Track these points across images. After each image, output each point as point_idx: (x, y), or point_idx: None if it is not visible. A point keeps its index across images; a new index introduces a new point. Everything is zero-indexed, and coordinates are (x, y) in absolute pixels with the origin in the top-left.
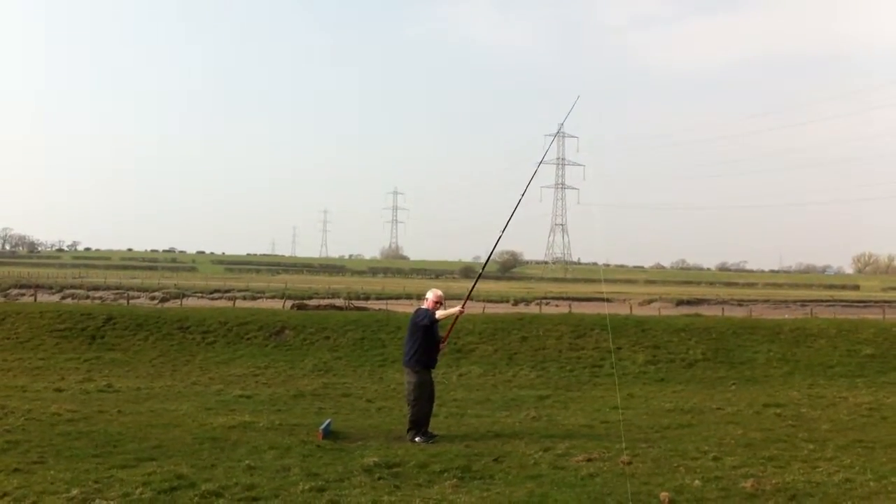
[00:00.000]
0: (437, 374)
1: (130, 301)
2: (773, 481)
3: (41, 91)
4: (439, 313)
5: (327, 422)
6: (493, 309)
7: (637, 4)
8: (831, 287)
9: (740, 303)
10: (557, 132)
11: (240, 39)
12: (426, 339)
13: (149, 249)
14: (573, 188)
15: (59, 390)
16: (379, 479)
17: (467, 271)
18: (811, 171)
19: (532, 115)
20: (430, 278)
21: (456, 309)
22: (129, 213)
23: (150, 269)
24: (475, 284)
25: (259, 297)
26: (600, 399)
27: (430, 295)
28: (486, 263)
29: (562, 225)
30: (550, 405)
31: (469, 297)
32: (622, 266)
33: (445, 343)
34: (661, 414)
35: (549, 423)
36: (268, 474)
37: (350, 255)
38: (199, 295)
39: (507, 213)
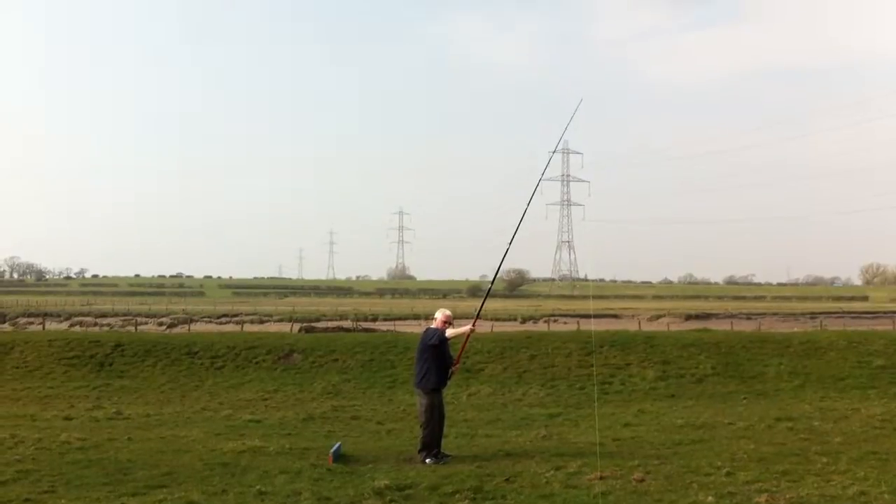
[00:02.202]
0: (447, 394)
1: (138, 327)
2: (787, 496)
3: (41, 115)
4: (449, 332)
5: (337, 445)
6: (501, 327)
7: (636, 18)
8: (840, 299)
9: (749, 316)
10: (557, 144)
11: (240, 59)
12: (436, 358)
13: (156, 275)
14: (578, 204)
15: (68, 418)
16: (390, 501)
17: (475, 290)
18: (817, 183)
19: (534, 130)
20: (438, 298)
21: (467, 327)
22: (135, 239)
23: (158, 294)
24: (484, 302)
25: (267, 321)
26: (611, 416)
27: (439, 315)
28: (493, 280)
29: (568, 242)
30: (561, 423)
31: (479, 315)
32: (629, 282)
33: (458, 365)
34: (673, 430)
35: (560, 441)
36: (279, 499)
37: (357, 277)
38: (207, 320)
39: (512, 231)
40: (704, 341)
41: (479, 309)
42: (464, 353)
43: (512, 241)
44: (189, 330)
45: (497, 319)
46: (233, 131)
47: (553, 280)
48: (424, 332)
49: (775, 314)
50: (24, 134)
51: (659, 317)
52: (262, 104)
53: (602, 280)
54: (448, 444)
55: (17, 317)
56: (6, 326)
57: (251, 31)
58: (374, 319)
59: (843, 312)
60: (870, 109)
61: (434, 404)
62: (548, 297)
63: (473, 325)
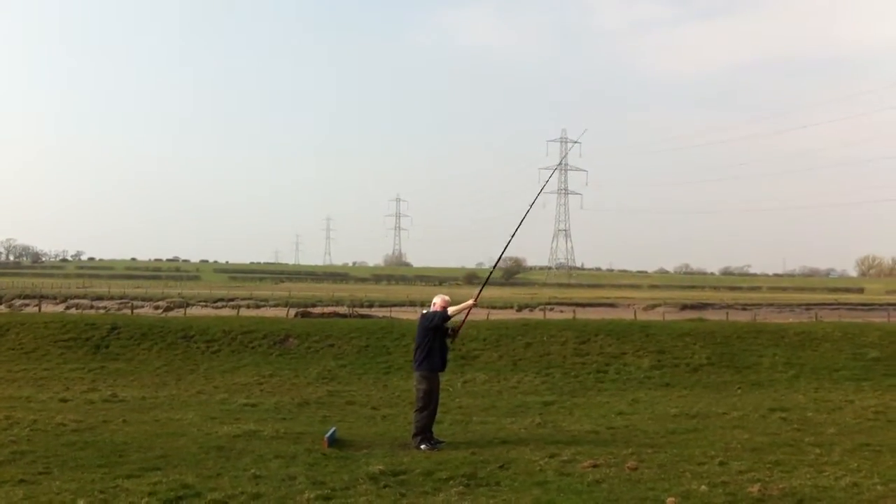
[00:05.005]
0: (442, 380)
1: (134, 310)
2: (780, 486)
3: (40, 99)
4: (451, 309)
5: (332, 430)
6: (497, 315)
7: (636, 9)
8: (835, 290)
9: (744, 307)
10: (563, 146)
11: (240, 46)
12: (437, 340)
13: (152, 259)
14: (576, 193)
15: (63, 400)
16: (385, 486)
17: (471, 277)
18: (814, 174)
19: (532, 120)
20: (434, 285)
21: (469, 301)
22: (132, 222)
23: (154, 278)
24: (487, 280)
25: (263, 306)
26: (605, 405)
27: (438, 300)
28: (493, 267)
29: (565, 230)
30: (556, 411)
31: (480, 292)
32: (626, 271)
33: (458, 334)
34: (667, 419)
35: (554, 429)
36: (273, 483)
37: (353, 263)
38: (203, 304)
39: (509, 219)
40: (700, 331)
41: (481, 287)
42: (460, 338)
43: (514, 235)
44: (185, 314)
45: (493, 307)
46: (231, 116)
47: (549, 268)
48: (422, 316)
49: (771, 305)
50: (22, 119)
51: (655, 306)
52: (261, 91)
53: (598, 269)
54: (443, 431)
55: (13, 299)
56: (2, 308)
57: (253, 15)
58: (371, 305)
59: (839, 304)
60: (867, 101)
61: (432, 390)
62: (544, 285)
63: (475, 300)
